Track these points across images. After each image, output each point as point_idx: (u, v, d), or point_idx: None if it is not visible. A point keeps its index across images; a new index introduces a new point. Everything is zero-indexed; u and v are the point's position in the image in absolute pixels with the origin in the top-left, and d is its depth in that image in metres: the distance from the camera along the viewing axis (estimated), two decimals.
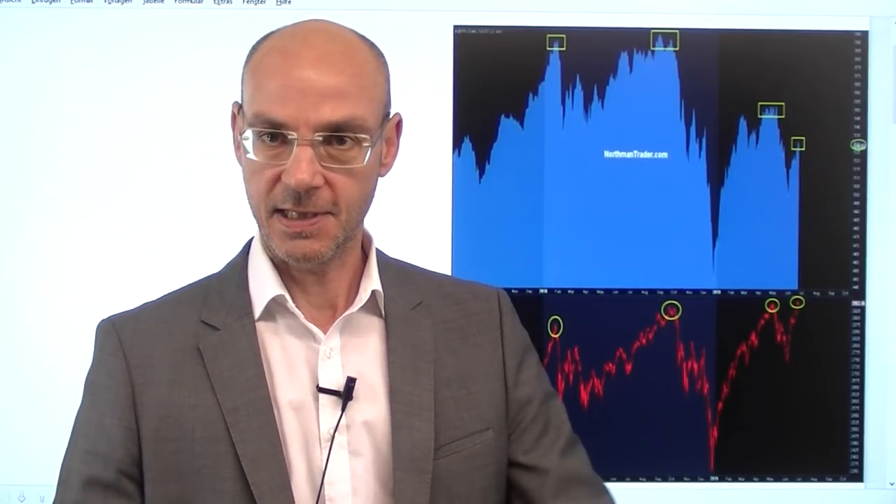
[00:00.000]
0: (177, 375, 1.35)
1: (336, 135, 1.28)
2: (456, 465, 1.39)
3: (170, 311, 1.40)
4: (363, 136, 1.30)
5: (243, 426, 1.32)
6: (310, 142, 1.27)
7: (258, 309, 1.37)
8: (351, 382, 1.34)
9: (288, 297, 1.37)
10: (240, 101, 1.36)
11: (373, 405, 1.37)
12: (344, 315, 1.38)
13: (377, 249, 1.45)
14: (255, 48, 1.35)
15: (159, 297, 1.45)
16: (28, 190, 2.22)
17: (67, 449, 1.40)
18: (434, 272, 1.55)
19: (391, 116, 1.39)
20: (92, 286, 2.19)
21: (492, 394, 1.44)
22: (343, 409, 1.34)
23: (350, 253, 1.40)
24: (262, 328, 1.37)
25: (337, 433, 1.34)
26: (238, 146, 1.37)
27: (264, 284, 1.38)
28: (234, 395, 1.33)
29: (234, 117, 1.38)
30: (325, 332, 1.37)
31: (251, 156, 1.30)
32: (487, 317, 1.49)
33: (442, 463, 1.38)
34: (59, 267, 2.21)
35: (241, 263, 1.42)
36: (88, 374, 1.41)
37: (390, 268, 1.46)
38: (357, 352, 1.38)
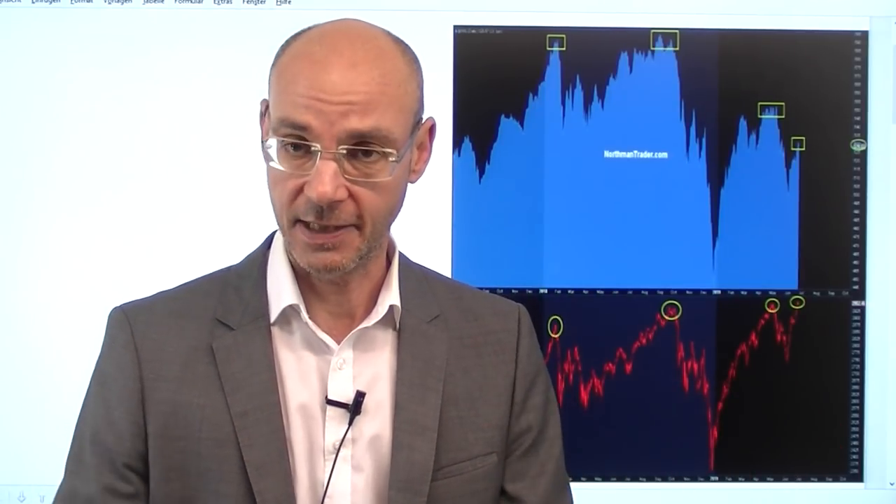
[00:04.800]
0: (187, 374, 1.32)
1: (361, 148, 1.24)
2: (456, 487, 1.36)
3: (184, 305, 1.37)
4: (389, 150, 1.25)
5: (251, 431, 1.29)
6: (333, 155, 1.22)
7: (274, 313, 1.34)
8: (360, 397, 1.32)
9: (303, 307, 1.33)
10: (268, 100, 1.32)
11: (378, 421, 1.34)
12: (358, 329, 1.35)
13: (401, 254, 1.42)
14: (283, 49, 1.30)
15: (175, 286, 1.42)
16: (28, 189, 2.22)
17: (76, 436, 1.37)
18: (457, 282, 1.53)
19: (423, 122, 1.36)
20: (93, 286, 2.19)
21: (498, 417, 1.41)
22: (350, 423, 1.32)
23: (374, 261, 1.36)
24: (277, 333, 1.34)
25: (342, 447, 1.32)
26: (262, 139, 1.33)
27: (281, 290, 1.34)
28: (245, 399, 1.30)
29: (263, 115, 1.33)
30: (339, 342, 1.34)
31: (275, 164, 1.26)
32: (505, 336, 1.45)
33: (441, 484, 1.35)
34: (60, 267, 2.21)
35: (260, 259, 1.39)
36: (98, 361, 1.38)
37: (412, 275, 1.42)
38: (369, 365, 1.36)
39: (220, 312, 1.35)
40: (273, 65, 1.31)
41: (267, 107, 1.32)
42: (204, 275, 1.43)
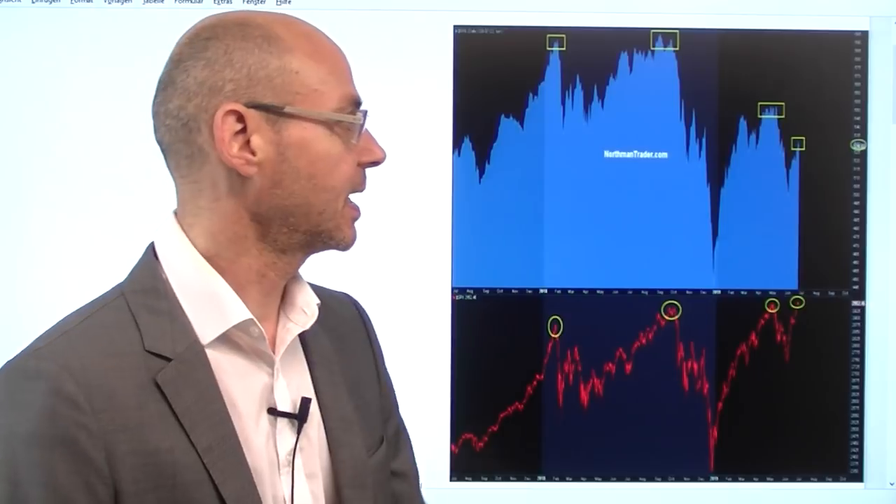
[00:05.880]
0: (145, 417, 1.19)
1: None
2: (375, 475, 1.36)
3: (108, 342, 1.23)
4: None
5: (221, 466, 1.21)
6: None
7: (211, 333, 1.25)
8: (307, 403, 1.28)
9: (256, 320, 1.26)
10: (256, 102, 1.23)
11: (314, 423, 1.31)
12: (300, 332, 1.31)
13: None
14: (276, 36, 1.24)
15: (66, 322, 1.29)
16: (28, 190, 2.22)
17: None
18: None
19: None
20: (93, 287, 2.19)
21: (376, 400, 1.43)
22: (299, 431, 1.28)
23: None
24: (211, 354, 1.25)
25: (295, 457, 1.28)
26: (228, 151, 1.23)
27: (223, 306, 1.25)
28: (206, 433, 1.21)
29: (241, 119, 1.23)
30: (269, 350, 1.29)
31: (353, 141, 1.25)
32: (355, 323, 1.46)
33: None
34: (60, 267, 2.21)
35: (158, 275, 1.29)
36: (29, 427, 1.17)
37: None
38: (293, 369, 1.32)
39: (149, 343, 1.23)
40: (282, 53, 1.24)
41: (262, 107, 1.23)
42: (90, 303, 1.32)
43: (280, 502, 1.27)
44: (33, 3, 2.22)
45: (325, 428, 1.33)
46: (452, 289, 2.24)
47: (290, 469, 1.27)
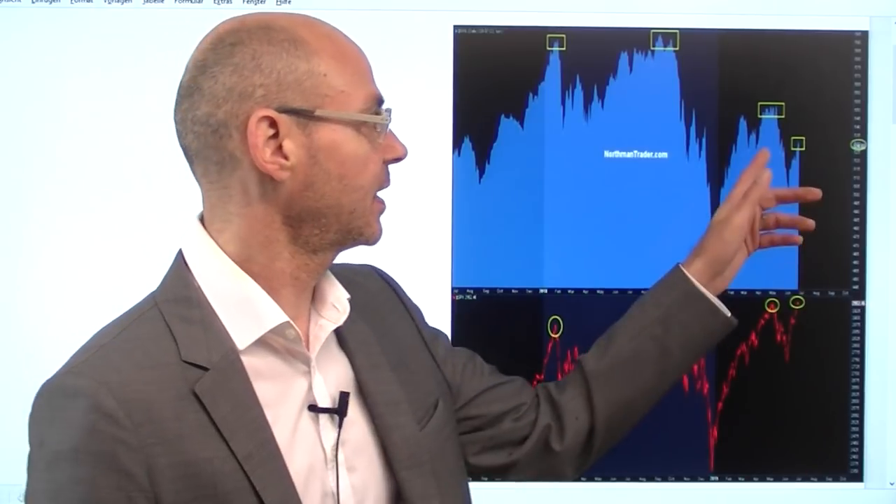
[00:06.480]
0: (184, 428, 1.20)
1: None
2: (431, 445, 1.37)
3: (144, 354, 1.23)
4: None
5: (261, 473, 1.21)
6: None
7: (247, 339, 1.26)
8: (346, 397, 1.30)
9: (292, 322, 1.27)
10: (287, 106, 1.23)
11: (353, 414, 1.32)
12: (333, 328, 1.32)
13: None
14: (301, 39, 1.25)
15: (102, 335, 1.29)
16: (28, 191, 2.22)
17: None
18: None
19: None
20: (94, 288, 2.19)
21: (425, 364, 1.45)
22: (340, 426, 1.29)
23: None
24: (246, 359, 1.26)
25: (338, 452, 1.29)
26: (262, 157, 1.23)
27: (258, 311, 1.26)
28: (245, 441, 1.22)
29: (273, 124, 1.23)
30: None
31: (379, 140, 1.28)
32: (385, 293, 1.49)
33: None
34: (60, 268, 2.21)
35: (190, 284, 1.29)
36: (70, 442, 1.19)
37: None
38: (329, 363, 1.33)
39: (185, 353, 1.23)
40: (307, 56, 1.25)
41: (297, 112, 1.24)
42: (125, 314, 1.31)
43: (330, 498, 1.28)
44: (33, 3, 2.22)
45: (372, 415, 1.34)
46: (452, 289, 2.24)
47: (336, 464, 1.29)
